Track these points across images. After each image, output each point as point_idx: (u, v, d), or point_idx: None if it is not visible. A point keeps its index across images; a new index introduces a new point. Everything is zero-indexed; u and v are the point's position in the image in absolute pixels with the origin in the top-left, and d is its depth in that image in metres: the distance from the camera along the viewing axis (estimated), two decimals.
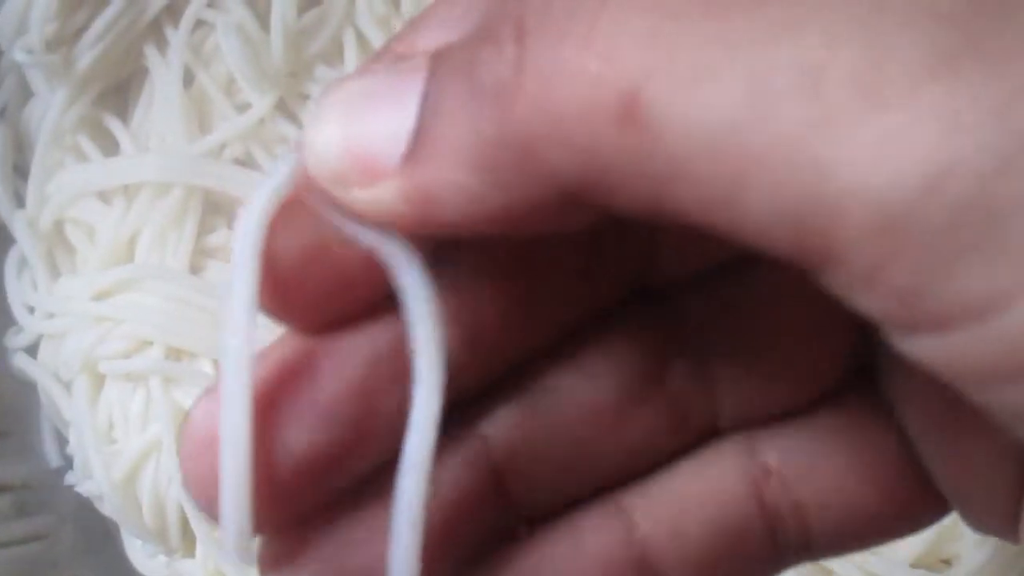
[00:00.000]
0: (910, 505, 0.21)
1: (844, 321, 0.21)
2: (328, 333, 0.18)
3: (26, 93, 0.43)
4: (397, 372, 0.17)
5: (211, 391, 0.18)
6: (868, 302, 0.14)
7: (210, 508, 0.17)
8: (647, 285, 0.21)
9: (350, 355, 0.18)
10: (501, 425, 0.20)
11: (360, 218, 0.17)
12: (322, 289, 0.18)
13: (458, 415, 0.20)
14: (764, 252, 0.15)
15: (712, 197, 0.14)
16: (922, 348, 0.15)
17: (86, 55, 0.42)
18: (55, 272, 0.43)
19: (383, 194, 0.16)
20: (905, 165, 0.13)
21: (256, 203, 0.17)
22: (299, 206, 0.17)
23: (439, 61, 0.16)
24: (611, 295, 0.20)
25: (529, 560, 0.20)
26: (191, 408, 0.18)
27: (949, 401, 0.19)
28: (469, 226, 0.16)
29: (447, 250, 0.18)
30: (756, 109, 0.14)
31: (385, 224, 0.17)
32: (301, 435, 0.18)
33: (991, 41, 0.14)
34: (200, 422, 0.17)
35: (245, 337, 0.17)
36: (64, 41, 0.42)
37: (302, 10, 0.42)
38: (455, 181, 0.16)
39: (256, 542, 0.17)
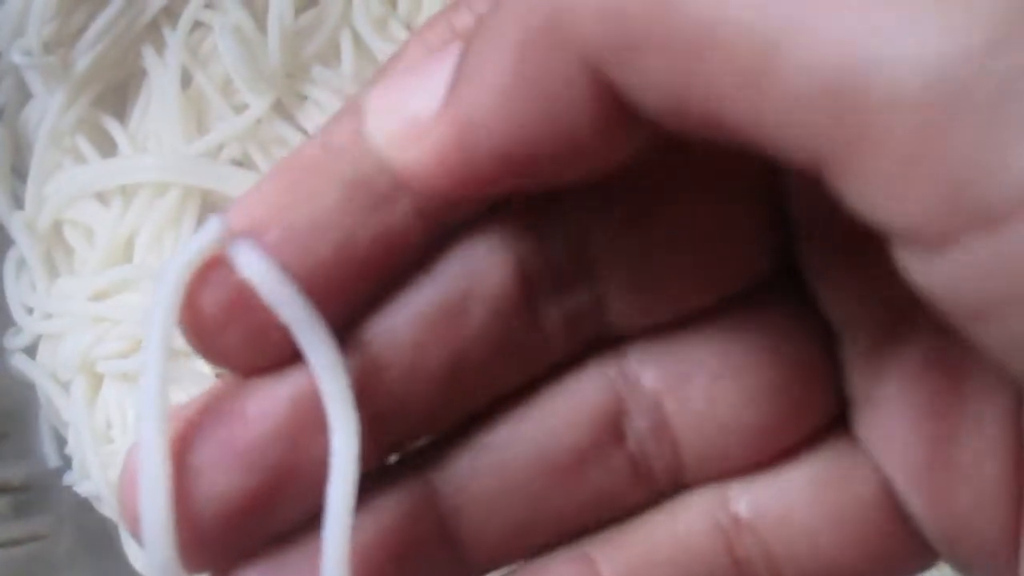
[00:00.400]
0: (891, 556, 0.20)
1: (818, 368, 0.20)
2: (256, 377, 0.18)
3: (24, 95, 0.43)
4: (322, 418, 0.17)
5: None
6: (899, 204, 0.13)
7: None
8: (599, 336, 0.20)
9: (275, 399, 0.18)
10: (452, 476, 0.19)
11: (288, 277, 0.17)
12: (244, 338, 0.18)
13: (410, 463, 0.20)
14: (783, 151, 0.14)
15: (740, 71, 0.13)
16: (947, 268, 0.13)
17: (84, 56, 0.42)
18: (53, 273, 0.43)
19: (430, 146, 0.16)
20: (961, 28, 0.12)
21: (178, 259, 0.17)
22: (221, 264, 0.17)
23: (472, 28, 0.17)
24: (559, 348, 0.20)
25: None
26: (129, 448, 0.18)
27: (931, 439, 0.19)
28: (514, 158, 0.16)
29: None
30: None
31: (442, 183, 0.17)
32: (226, 478, 0.17)
33: None
34: (130, 462, 0.17)
35: (159, 381, 0.17)
36: (62, 43, 0.42)
37: (299, 11, 0.42)
38: (489, 85, 0.16)
39: None
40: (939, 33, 0.12)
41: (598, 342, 0.20)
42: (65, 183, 0.42)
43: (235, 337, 0.18)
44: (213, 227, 0.17)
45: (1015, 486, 0.19)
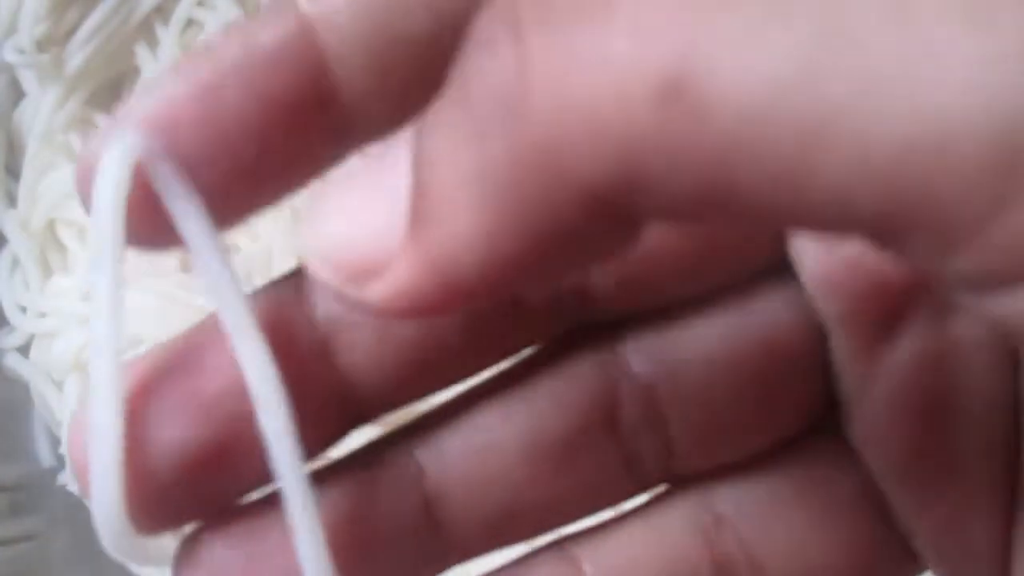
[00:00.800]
0: (877, 563, 0.20)
1: (808, 366, 0.20)
2: (217, 331, 0.17)
3: (17, 93, 0.43)
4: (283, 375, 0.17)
5: None
6: (965, 261, 0.12)
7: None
8: (584, 321, 0.20)
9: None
10: (439, 455, 0.19)
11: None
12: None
13: (398, 439, 0.19)
14: (835, 229, 0.13)
15: (778, 169, 0.12)
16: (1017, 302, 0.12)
17: (77, 55, 0.42)
18: (47, 271, 0.43)
19: (397, 278, 0.15)
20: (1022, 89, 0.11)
21: (109, 186, 0.16)
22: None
23: (419, 128, 0.14)
24: (545, 330, 0.19)
25: None
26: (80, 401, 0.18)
27: (921, 447, 0.19)
28: (495, 281, 0.14)
29: None
30: (834, 49, 0.12)
31: (414, 314, 0.15)
32: (183, 429, 0.17)
33: None
34: (81, 413, 0.17)
35: (111, 318, 0.16)
36: (55, 41, 0.42)
37: None
38: (468, 226, 0.14)
39: (136, 538, 0.17)
40: (1004, 97, 0.12)
41: (592, 327, 0.20)
42: (58, 182, 0.42)
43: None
44: (128, 142, 0.16)
45: (1006, 490, 0.19)
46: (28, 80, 0.43)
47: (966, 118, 0.12)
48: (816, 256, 0.19)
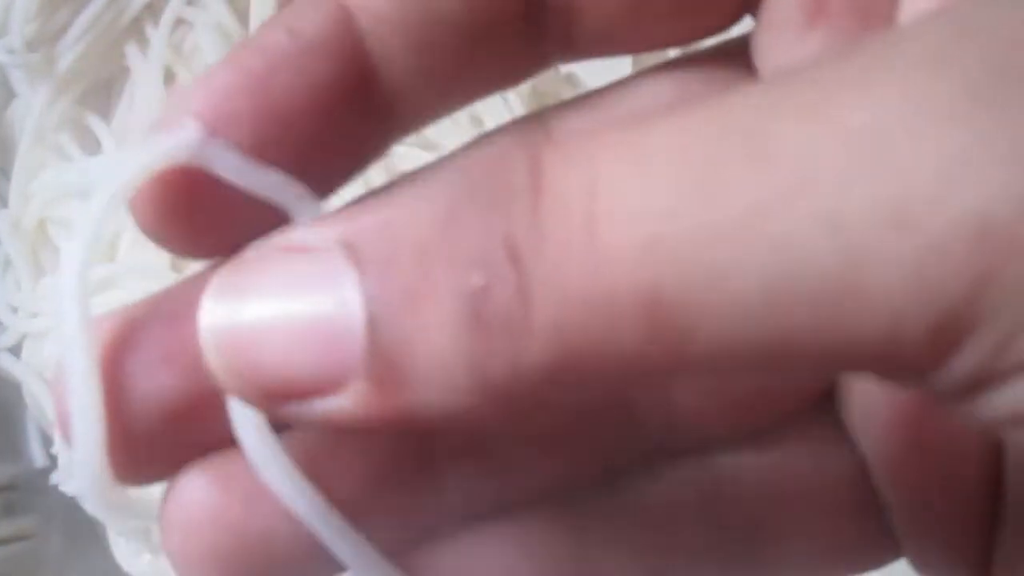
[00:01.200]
0: (857, 542, 0.20)
1: None
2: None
3: (8, 93, 0.43)
4: None
5: None
6: (933, 383, 0.13)
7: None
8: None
9: None
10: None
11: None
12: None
13: None
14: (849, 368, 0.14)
15: (816, 306, 0.13)
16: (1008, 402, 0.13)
17: (67, 55, 0.42)
18: (39, 271, 0.43)
19: (354, 406, 0.14)
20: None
21: (140, 160, 0.16)
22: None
23: (360, 253, 0.14)
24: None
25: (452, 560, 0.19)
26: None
27: (912, 425, 0.19)
28: (461, 423, 0.14)
29: None
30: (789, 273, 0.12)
31: (352, 425, 0.14)
32: (164, 378, 0.17)
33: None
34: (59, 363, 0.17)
35: (80, 279, 0.16)
36: (45, 41, 0.42)
37: (280, 7, 0.42)
38: (448, 399, 0.14)
39: (118, 490, 0.17)
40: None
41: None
42: (50, 181, 0.42)
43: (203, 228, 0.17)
44: (187, 135, 0.16)
45: (992, 484, 0.19)
46: (19, 80, 0.43)
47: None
48: None
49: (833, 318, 0.13)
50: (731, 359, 0.13)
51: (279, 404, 0.14)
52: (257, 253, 0.15)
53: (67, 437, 0.16)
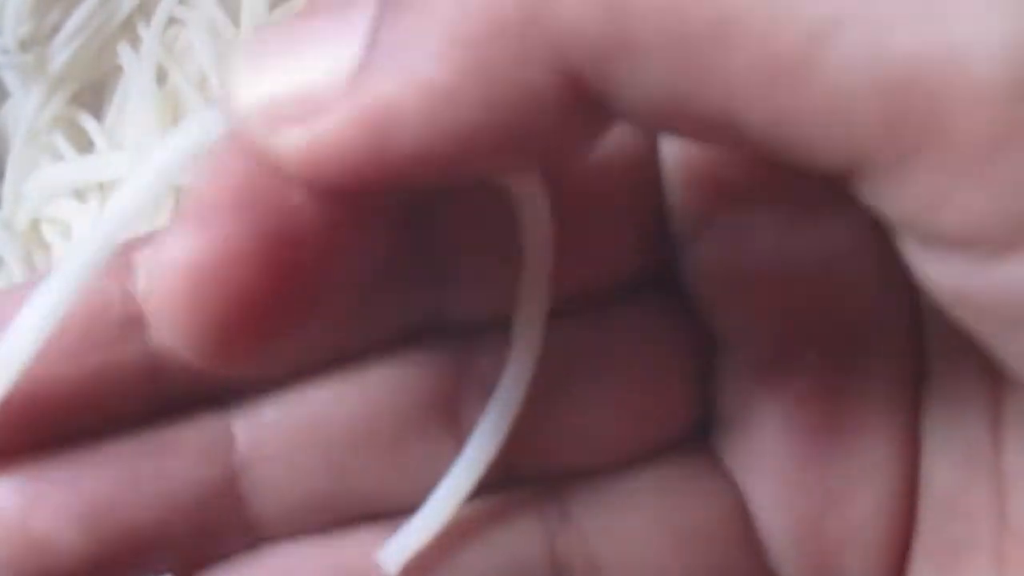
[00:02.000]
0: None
1: (682, 368, 0.19)
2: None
3: (1, 94, 0.43)
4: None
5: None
6: (959, 209, 0.11)
7: None
8: (441, 318, 0.18)
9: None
10: (255, 426, 0.18)
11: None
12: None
13: (212, 403, 0.18)
14: (805, 156, 0.12)
15: (771, 67, 0.11)
16: (995, 276, 0.12)
17: (60, 54, 0.42)
18: (32, 271, 0.43)
19: (324, 125, 0.13)
20: None
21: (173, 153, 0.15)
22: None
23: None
24: (397, 323, 0.18)
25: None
26: None
27: (805, 462, 0.18)
28: (431, 156, 0.13)
29: None
30: None
31: (325, 175, 0.13)
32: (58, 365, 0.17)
33: None
34: None
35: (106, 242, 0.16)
36: (38, 41, 0.42)
37: (273, 6, 0.42)
38: (424, 76, 0.12)
39: None
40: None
41: (440, 328, 0.19)
42: (43, 181, 0.43)
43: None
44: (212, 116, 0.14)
45: (895, 521, 0.18)
46: (11, 80, 0.43)
47: (979, 36, 0.11)
48: (711, 265, 0.18)
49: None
50: (751, 32, 0.11)
51: (277, 130, 0.13)
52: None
53: None
